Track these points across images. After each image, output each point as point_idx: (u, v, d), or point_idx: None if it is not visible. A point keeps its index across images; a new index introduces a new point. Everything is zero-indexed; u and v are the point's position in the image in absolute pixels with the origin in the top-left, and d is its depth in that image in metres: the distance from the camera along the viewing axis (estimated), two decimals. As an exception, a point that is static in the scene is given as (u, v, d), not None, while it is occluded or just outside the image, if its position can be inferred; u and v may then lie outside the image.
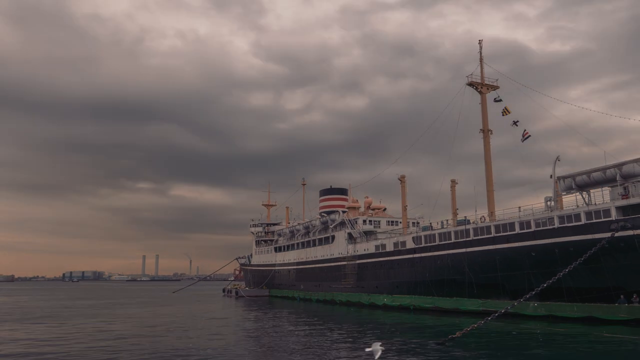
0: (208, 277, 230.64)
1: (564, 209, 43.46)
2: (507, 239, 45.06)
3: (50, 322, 45.04)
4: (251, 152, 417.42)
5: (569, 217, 40.63)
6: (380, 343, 17.76)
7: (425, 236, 55.24)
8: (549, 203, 45.00)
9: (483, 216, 51.20)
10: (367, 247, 67.14)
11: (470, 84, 56.09)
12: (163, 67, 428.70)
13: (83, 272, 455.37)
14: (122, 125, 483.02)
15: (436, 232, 53.96)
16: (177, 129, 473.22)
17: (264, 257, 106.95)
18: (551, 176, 44.93)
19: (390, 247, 61.51)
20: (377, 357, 16.38)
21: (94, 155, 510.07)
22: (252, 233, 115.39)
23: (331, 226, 78.84)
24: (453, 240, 51.13)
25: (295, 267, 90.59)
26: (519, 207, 46.33)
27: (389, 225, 74.74)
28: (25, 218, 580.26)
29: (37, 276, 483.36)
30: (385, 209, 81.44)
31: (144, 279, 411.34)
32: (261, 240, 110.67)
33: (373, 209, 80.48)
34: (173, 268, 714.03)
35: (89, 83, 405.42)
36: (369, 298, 62.28)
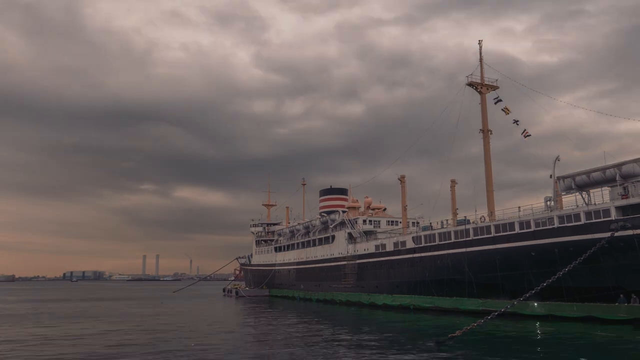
0: (208, 277, 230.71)
1: (564, 209, 43.53)
2: (507, 239, 45.12)
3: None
4: (252, 156, 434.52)
5: (569, 217, 40.70)
6: None
7: (425, 236, 55.30)
8: (548, 203, 45.06)
9: (483, 216, 51.27)
10: (367, 247, 67.21)
11: (470, 84, 56.15)
12: (168, 77, 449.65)
13: (83, 272, 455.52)
14: (126, 130, 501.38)
15: (436, 232, 54.03)
16: (181, 134, 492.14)
17: (264, 257, 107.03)
18: (551, 176, 44.99)
19: (390, 247, 61.58)
20: None
21: (99, 158, 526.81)
22: (252, 233, 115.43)
23: (331, 226, 78.91)
24: (453, 240, 51.20)
25: (295, 267, 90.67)
26: (519, 207, 46.47)
27: (388, 225, 74.79)
28: (27, 219, 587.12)
29: (38, 276, 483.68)
30: (385, 209, 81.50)
31: (165, 278, 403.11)
32: (261, 240, 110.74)
33: (373, 209, 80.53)
34: (173, 268, 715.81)
35: (97, 91, 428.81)
36: (369, 298, 62.34)
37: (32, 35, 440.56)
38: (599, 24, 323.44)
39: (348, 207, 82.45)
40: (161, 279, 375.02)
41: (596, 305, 37.69)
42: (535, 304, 41.05)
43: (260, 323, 43.51)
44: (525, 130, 52.62)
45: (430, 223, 58.56)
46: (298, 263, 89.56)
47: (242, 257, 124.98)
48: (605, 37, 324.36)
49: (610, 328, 33.25)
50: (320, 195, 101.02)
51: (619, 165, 39.22)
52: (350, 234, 72.73)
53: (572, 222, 40.33)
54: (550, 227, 41.77)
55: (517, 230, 44.40)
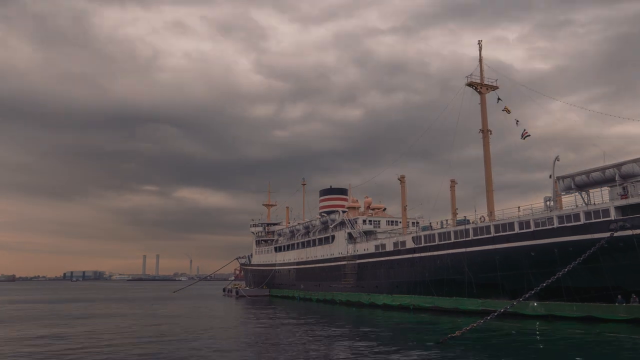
0: (208, 277, 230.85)
1: (563, 209, 43.55)
2: (507, 239, 45.16)
3: None
4: (253, 158, 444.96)
5: (568, 217, 40.73)
6: None
7: (425, 236, 55.33)
8: (548, 203, 45.08)
9: (482, 216, 51.31)
10: (367, 247, 67.25)
11: (470, 84, 56.18)
12: (172, 82, 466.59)
13: (84, 272, 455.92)
14: (130, 133, 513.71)
15: (436, 232, 54.06)
16: (183, 137, 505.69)
17: (264, 257, 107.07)
18: (550, 176, 45.02)
19: (390, 247, 61.61)
20: None
21: (102, 161, 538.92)
22: (253, 233, 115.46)
23: (331, 226, 78.94)
24: (453, 240, 51.23)
25: (295, 266, 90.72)
26: (518, 207, 46.53)
27: (388, 225, 74.83)
28: (28, 219, 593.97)
29: (38, 276, 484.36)
30: (385, 209, 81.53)
31: (180, 277, 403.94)
32: (261, 240, 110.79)
33: (373, 209, 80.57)
34: (173, 268, 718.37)
35: (102, 95, 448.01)
36: (368, 298, 62.38)
37: (41, 43, 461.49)
38: (589, 32, 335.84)
39: (348, 207, 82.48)
40: (176, 278, 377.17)
41: (595, 305, 37.75)
42: (535, 304, 41.10)
43: (260, 323, 43.55)
44: (525, 130, 52.67)
45: (430, 223, 58.61)
46: (298, 263, 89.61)
47: (242, 257, 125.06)
48: (595, 44, 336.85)
49: (610, 327, 33.29)
50: (320, 195, 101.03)
51: (618, 165, 39.24)
52: (350, 234, 72.78)
53: (571, 222, 40.37)
54: (550, 227, 41.81)
55: (516, 230, 44.44)
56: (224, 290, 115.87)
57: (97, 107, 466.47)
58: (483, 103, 55.71)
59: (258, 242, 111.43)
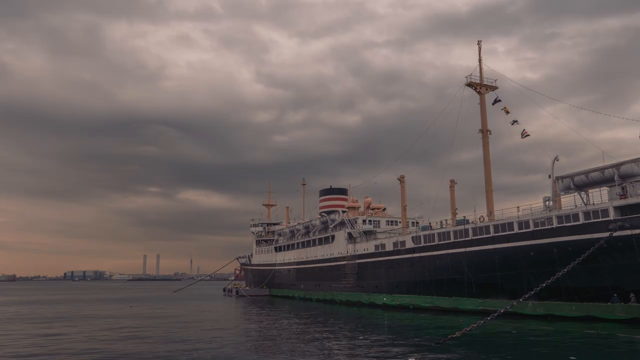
0: (208, 277, 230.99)
1: (563, 209, 43.61)
2: (506, 239, 45.23)
3: None
4: (254, 162, 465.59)
5: (567, 217, 40.80)
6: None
7: (425, 236, 55.41)
8: (547, 203, 45.14)
9: (482, 216, 51.38)
10: (366, 246, 67.33)
11: (470, 85, 56.22)
12: (177, 90, 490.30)
13: (84, 272, 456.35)
14: (136, 137, 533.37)
15: (435, 232, 54.13)
16: (187, 142, 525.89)
17: (264, 257, 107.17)
18: (550, 176, 45.09)
19: (389, 247, 61.69)
20: None
21: (108, 164, 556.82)
22: (253, 233, 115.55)
23: (331, 226, 79.02)
24: (452, 240, 51.30)
25: (295, 266, 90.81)
26: (518, 207, 46.62)
27: (388, 225, 74.91)
28: (30, 219, 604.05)
29: (39, 276, 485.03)
30: (384, 209, 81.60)
31: (201, 277, 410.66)
32: (261, 240, 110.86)
33: (373, 209, 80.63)
34: (174, 268, 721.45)
35: (110, 102, 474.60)
36: (368, 297, 62.47)
37: (53, 53, 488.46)
38: (575, 44, 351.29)
39: (348, 207, 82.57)
40: (197, 278, 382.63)
41: (595, 305, 37.83)
42: (535, 304, 41.17)
43: (260, 323, 43.64)
44: (524, 130, 52.74)
45: (430, 223, 58.67)
46: (298, 263, 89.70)
47: (243, 257, 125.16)
48: (583, 55, 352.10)
49: (609, 327, 33.37)
50: (320, 195, 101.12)
51: (617, 166, 39.30)
52: (350, 234, 72.86)
53: (570, 222, 40.44)
54: (549, 227, 41.87)
55: (516, 230, 44.51)
56: (224, 290, 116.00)
57: (104, 113, 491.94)
58: (482, 103, 55.76)
59: (258, 242, 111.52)
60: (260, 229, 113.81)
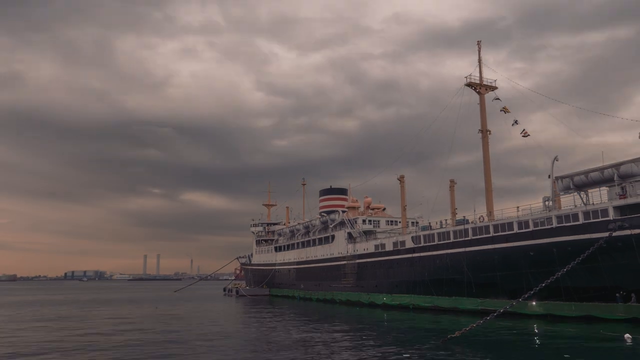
0: (209, 277, 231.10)
1: (562, 208, 43.61)
2: (506, 239, 45.24)
3: None
4: (256, 166, 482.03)
5: (567, 217, 40.80)
6: None
7: (424, 236, 55.42)
8: (547, 203, 45.15)
9: (482, 216, 51.39)
10: (366, 246, 67.35)
11: (469, 85, 56.22)
12: (181, 97, 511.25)
13: (85, 272, 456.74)
14: (140, 142, 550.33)
15: (435, 231, 54.14)
16: (190, 147, 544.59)
17: (264, 257, 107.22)
18: (549, 176, 45.10)
19: (389, 247, 61.71)
20: None
21: (113, 167, 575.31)
22: (253, 233, 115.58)
23: (331, 226, 79.04)
24: (452, 239, 51.32)
25: (295, 266, 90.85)
26: (517, 207, 46.63)
27: (388, 224, 74.93)
28: (33, 220, 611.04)
29: (39, 275, 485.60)
30: (384, 209, 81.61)
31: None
32: (261, 239, 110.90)
33: (372, 209, 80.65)
34: (174, 268, 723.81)
35: (116, 108, 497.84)
36: (368, 297, 62.50)
37: (64, 62, 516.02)
38: (563, 55, 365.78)
39: (348, 207, 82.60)
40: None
41: (594, 305, 37.86)
42: (534, 304, 41.20)
43: (260, 323, 43.67)
44: (524, 130, 52.77)
45: (430, 223, 58.66)
46: (298, 263, 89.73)
47: (243, 257, 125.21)
48: (571, 64, 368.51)
49: (608, 327, 33.38)
50: (320, 195, 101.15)
51: (617, 166, 39.31)
52: (350, 234, 72.88)
53: (570, 222, 40.44)
54: (549, 227, 41.88)
55: (515, 230, 44.52)
56: (224, 289, 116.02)
57: (111, 118, 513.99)
58: (482, 103, 55.75)
59: (258, 242, 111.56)
60: (260, 228, 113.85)
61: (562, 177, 43.60)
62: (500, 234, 45.93)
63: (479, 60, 56.97)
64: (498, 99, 55.28)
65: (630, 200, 37.45)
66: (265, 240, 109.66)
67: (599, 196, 41.50)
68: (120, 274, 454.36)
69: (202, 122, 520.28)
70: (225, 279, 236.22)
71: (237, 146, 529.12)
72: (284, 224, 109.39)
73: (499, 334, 33.06)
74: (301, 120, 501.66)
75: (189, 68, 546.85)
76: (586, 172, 41.66)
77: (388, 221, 75.73)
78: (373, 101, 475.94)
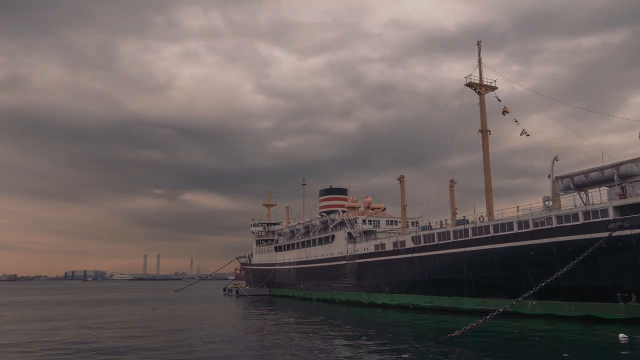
0: (209, 277, 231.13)
1: (562, 208, 43.63)
2: (506, 239, 45.25)
3: None
4: (256, 167, 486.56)
5: (567, 217, 40.81)
6: None
7: (424, 236, 55.44)
8: (547, 203, 45.16)
9: (482, 216, 51.40)
10: (366, 246, 67.37)
11: (469, 85, 56.23)
12: (182, 100, 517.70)
13: (85, 272, 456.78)
14: (141, 143, 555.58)
15: (435, 231, 54.15)
16: (191, 148, 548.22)
17: (264, 257, 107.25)
18: (549, 176, 45.11)
19: (389, 247, 61.73)
20: None
21: (115, 167, 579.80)
22: (253, 232, 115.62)
23: (331, 226, 79.06)
24: (452, 239, 51.33)
25: (295, 266, 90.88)
26: (517, 207, 46.63)
27: (388, 224, 74.94)
28: (34, 221, 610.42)
29: (39, 276, 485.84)
30: (384, 209, 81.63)
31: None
32: (262, 239, 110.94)
33: (372, 209, 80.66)
34: (174, 267, 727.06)
35: (119, 111, 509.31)
36: (368, 297, 62.52)
37: (68, 66, 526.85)
38: (559, 58, 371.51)
39: (348, 207, 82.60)
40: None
41: (594, 305, 37.89)
42: (534, 303, 41.21)
43: (260, 323, 43.72)
44: (524, 130, 52.81)
45: (429, 223, 58.67)
46: (298, 262, 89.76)
47: (243, 257, 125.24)
48: (566, 67, 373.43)
49: (608, 327, 33.41)
50: (320, 195, 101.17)
51: (617, 165, 39.30)
52: (350, 234, 72.90)
53: (570, 222, 40.44)
54: (549, 227, 41.89)
55: (515, 230, 44.53)
56: (224, 289, 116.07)
57: (113, 120, 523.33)
58: (482, 103, 55.76)
59: (258, 242, 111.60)
60: (261, 228, 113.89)
61: (562, 177, 43.60)
62: (500, 233, 45.94)
63: (479, 61, 56.99)
64: (498, 99, 55.28)
65: (630, 200, 37.46)
66: (265, 240, 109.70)
67: (599, 196, 41.52)
68: (121, 273, 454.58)
69: (203, 123, 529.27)
70: (225, 279, 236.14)
71: (237, 148, 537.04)
72: (284, 224, 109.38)
73: (499, 333, 33.09)
74: (301, 122, 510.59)
75: (190, 71, 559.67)
76: (586, 172, 41.66)
77: (388, 221, 75.74)
78: (372, 103, 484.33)
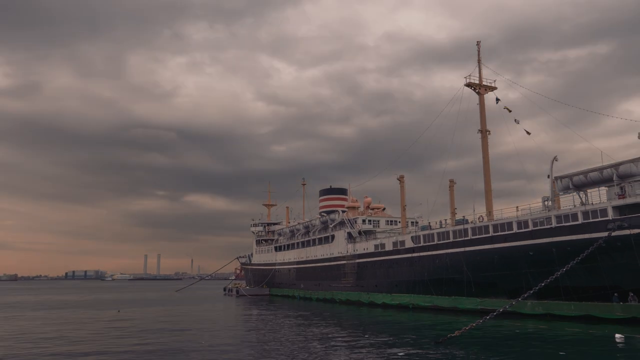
0: (209, 277, 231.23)
1: (561, 208, 43.68)
2: (505, 239, 45.31)
3: None
4: (257, 170, 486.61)
5: (566, 217, 40.86)
6: None
7: (424, 236, 55.49)
8: (546, 203, 45.21)
9: (481, 216, 51.44)
10: (366, 246, 67.43)
11: (469, 85, 56.26)
12: (186, 106, 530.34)
13: (85, 272, 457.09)
14: (146, 147, 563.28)
15: (435, 231, 54.21)
16: (193, 152, 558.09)
17: (264, 256, 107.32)
18: (548, 176, 45.16)
19: (389, 247, 61.79)
20: None
21: (120, 171, 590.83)
22: (253, 232, 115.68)
23: (331, 226, 79.12)
24: (451, 239, 51.39)
25: (295, 266, 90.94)
26: (517, 207, 46.67)
27: (388, 224, 75.01)
28: (35, 221, 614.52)
29: (40, 275, 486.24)
30: (384, 209, 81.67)
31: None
32: (262, 239, 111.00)
33: (372, 209, 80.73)
34: (174, 267, 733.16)
35: (125, 116, 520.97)
36: (368, 297, 62.58)
37: (77, 74, 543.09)
38: (548, 67, 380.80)
39: (348, 207, 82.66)
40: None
41: (593, 305, 37.92)
42: (533, 303, 41.26)
43: (260, 323, 43.78)
44: (524, 130, 52.91)
45: (429, 223, 58.73)
46: (298, 262, 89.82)
47: (243, 257, 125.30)
48: (555, 77, 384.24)
49: (607, 327, 33.47)
50: (320, 195, 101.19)
51: (616, 165, 39.37)
52: (349, 234, 72.95)
53: (569, 222, 40.50)
54: (548, 226, 41.94)
55: (515, 230, 44.59)
56: (224, 289, 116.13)
57: (120, 125, 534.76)
58: (482, 103, 55.78)
59: (258, 242, 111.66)
60: (261, 228, 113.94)
61: (561, 177, 43.67)
62: (499, 233, 45.99)
63: (479, 61, 57.05)
64: (498, 99, 55.32)
65: (629, 200, 37.52)
66: (265, 240, 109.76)
67: (598, 196, 41.60)
68: (121, 273, 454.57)
69: (206, 128, 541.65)
70: (226, 279, 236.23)
71: (238, 152, 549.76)
72: (284, 224, 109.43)
73: (499, 333, 33.15)
74: (300, 127, 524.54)
75: (194, 80, 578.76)
76: (585, 172, 41.72)
77: (388, 221, 75.80)
78: (370, 110, 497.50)
